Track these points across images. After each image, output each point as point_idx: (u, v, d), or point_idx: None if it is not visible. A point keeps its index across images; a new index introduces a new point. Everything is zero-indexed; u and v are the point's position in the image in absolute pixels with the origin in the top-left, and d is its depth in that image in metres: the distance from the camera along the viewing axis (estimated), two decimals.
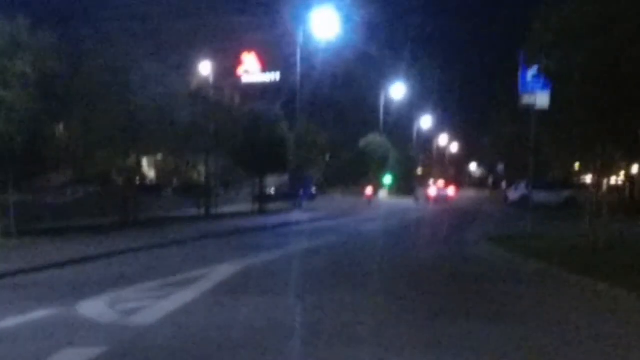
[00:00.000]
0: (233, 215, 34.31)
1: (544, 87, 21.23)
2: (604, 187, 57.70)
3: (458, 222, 34.73)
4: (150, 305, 10.08)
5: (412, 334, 8.52)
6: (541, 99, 21.15)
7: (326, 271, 14.82)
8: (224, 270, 14.12)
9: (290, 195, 47.29)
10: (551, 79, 19.39)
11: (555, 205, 47.11)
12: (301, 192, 52.65)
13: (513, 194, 51.86)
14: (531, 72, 21.04)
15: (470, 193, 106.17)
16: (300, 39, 44.99)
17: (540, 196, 48.62)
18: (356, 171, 67.17)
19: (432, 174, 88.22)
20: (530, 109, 21.64)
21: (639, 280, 12.02)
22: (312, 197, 55.80)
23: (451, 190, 69.43)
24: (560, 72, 18.28)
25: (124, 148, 27.21)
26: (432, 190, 66.37)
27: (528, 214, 23.03)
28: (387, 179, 67.19)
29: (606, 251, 16.73)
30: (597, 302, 11.29)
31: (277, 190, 54.18)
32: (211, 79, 49.81)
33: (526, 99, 21.49)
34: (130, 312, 9.58)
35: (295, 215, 36.33)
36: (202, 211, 34.33)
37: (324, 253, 18.68)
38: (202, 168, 43.72)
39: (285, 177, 50.15)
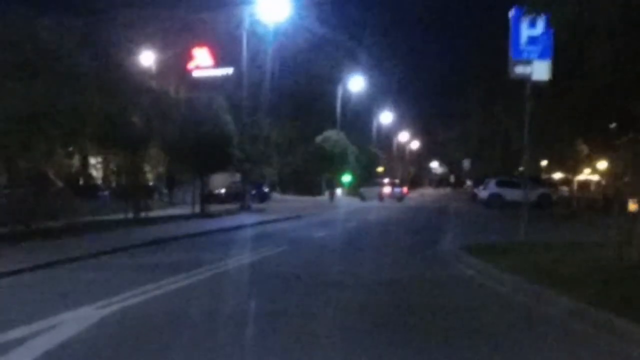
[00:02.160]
0: (167, 220, 28.97)
1: (543, 54, 16.25)
2: (576, 184, 53.19)
3: (427, 225, 29.72)
4: None
5: None
6: (540, 69, 16.19)
7: (245, 314, 9.54)
8: (81, 319, 8.73)
9: (242, 195, 41.76)
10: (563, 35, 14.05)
11: (528, 203, 42.41)
12: (252, 192, 48.08)
13: (482, 192, 46.99)
14: (528, 32, 16.01)
15: (432, 192, 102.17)
16: (246, 23, 39.54)
17: (511, 194, 44.31)
18: (313, 169, 62.25)
19: (392, 172, 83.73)
20: (524, 80, 16.59)
21: None
22: (264, 198, 50.70)
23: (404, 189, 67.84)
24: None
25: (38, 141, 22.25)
26: (387, 189, 62.92)
27: (522, 215, 17.76)
28: (346, 178, 62.29)
29: None
30: None
31: (227, 190, 49.42)
32: (153, 70, 45.58)
33: (520, 69, 16.44)
34: None
35: (240, 219, 31.15)
36: (131, 215, 28.84)
37: (256, 275, 13.45)
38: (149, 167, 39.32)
39: (237, 176, 44.82)
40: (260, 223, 28.90)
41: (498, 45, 54.41)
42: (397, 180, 68.30)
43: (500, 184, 45.81)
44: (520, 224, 17.69)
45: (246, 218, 31.58)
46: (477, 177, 61.48)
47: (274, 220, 30.89)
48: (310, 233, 23.86)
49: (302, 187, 65.78)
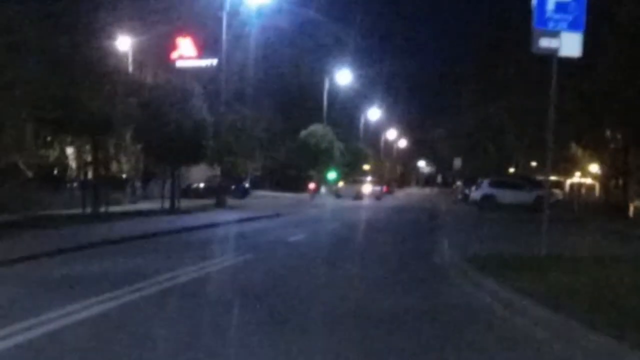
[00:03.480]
0: (130, 216, 25.57)
1: (574, 25, 12.91)
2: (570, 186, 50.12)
3: (417, 229, 26.40)
4: None
5: None
6: (569, 43, 12.83)
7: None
8: None
9: (220, 190, 38.25)
10: None
11: (524, 205, 39.53)
12: (232, 187, 44.90)
13: (474, 193, 43.60)
14: None
15: (419, 191, 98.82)
16: (226, 4, 36.06)
17: (506, 195, 41.20)
18: (297, 165, 58.93)
19: (379, 170, 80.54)
20: (549, 55, 13.24)
21: None
22: (244, 194, 47.31)
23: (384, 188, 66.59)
24: None
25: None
26: (367, 187, 59.71)
27: (542, 217, 14.26)
28: (332, 174, 58.85)
29: None
30: None
31: (206, 184, 46.13)
32: (130, 56, 42.19)
33: (545, 42, 13.03)
34: None
35: (213, 216, 27.73)
36: (88, 210, 25.36)
37: (199, 298, 10.03)
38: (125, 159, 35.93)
39: (217, 170, 41.43)
40: (234, 222, 25.48)
41: (493, 39, 51.53)
42: (369, 178, 64.49)
43: (494, 184, 42.48)
44: (542, 231, 14.18)
45: (219, 215, 28.21)
46: (468, 177, 58.25)
47: (249, 219, 27.47)
48: (285, 236, 20.37)
49: (285, 183, 62.44)
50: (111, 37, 37.06)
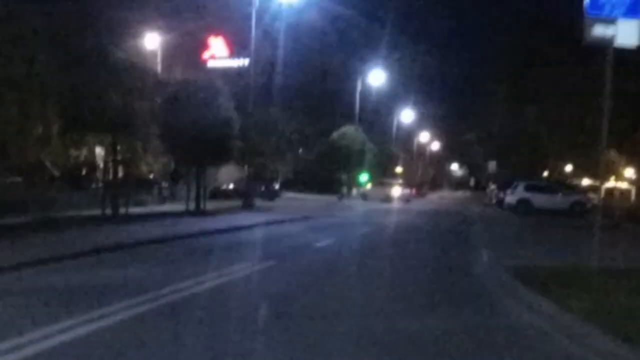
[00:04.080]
0: (152, 218, 24.44)
1: (631, 11, 11.46)
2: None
3: (452, 235, 24.77)
4: None
5: None
6: (626, 30, 11.37)
7: None
8: None
9: (248, 192, 37.23)
10: None
11: (561, 211, 38.04)
12: (261, 189, 43.85)
13: (510, 197, 41.95)
14: None
15: (451, 194, 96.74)
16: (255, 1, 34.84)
17: (542, 200, 39.62)
18: (328, 167, 57.54)
19: (411, 173, 78.97)
20: (603, 45, 11.77)
21: None
22: (273, 195, 46.03)
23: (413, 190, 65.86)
24: None
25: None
26: (396, 190, 57.45)
27: (581, 223, 12.76)
28: (364, 177, 57.41)
29: None
30: None
31: (236, 185, 45.03)
32: (159, 55, 41.36)
33: (599, 30, 11.54)
34: None
35: (238, 219, 26.53)
36: (109, 211, 24.21)
37: (212, 310, 8.79)
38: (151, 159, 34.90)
39: (246, 171, 40.21)
40: (259, 225, 24.18)
41: (529, 41, 49.65)
42: (400, 181, 62.85)
43: (529, 188, 40.88)
44: (581, 237, 12.71)
45: (245, 218, 27.01)
46: (502, 181, 56.52)
47: (276, 222, 26.15)
48: (312, 240, 18.97)
49: (317, 185, 61.09)
50: (138, 34, 36.30)
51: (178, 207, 30.05)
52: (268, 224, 24.87)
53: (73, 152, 29.65)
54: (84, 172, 34.37)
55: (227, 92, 29.33)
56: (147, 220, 23.30)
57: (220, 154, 28.80)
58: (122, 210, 24.29)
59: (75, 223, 20.35)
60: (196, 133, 25.90)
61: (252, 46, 35.46)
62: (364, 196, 55.71)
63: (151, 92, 24.65)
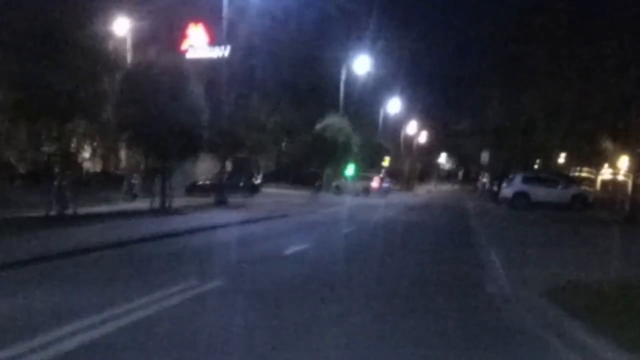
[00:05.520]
0: (109, 217, 21.24)
1: None
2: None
3: (450, 237, 21.36)
4: None
5: None
6: None
7: None
8: None
9: (229, 186, 34.98)
10: None
11: (561, 204, 35.03)
12: (240, 183, 40.65)
13: (506, 190, 38.74)
14: None
15: (437, 188, 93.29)
16: None
17: (541, 193, 36.44)
18: (312, 160, 54.15)
19: (398, 165, 75.84)
20: None
21: None
22: (252, 190, 42.59)
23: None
24: None
25: None
26: (375, 182, 55.19)
27: (586, 217, 9.45)
28: (350, 170, 53.85)
29: None
30: None
31: (213, 180, 41.61)
32: (129, 42, 38.08)
33: None
34: None
35: (206, 218, 23.18)
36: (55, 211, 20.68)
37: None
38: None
39: (226, 165, 37.04)
40: (228, 225, 20.96)
41: (523, 26, 46.32)
42: (382, 175, 59.78)
43: (526, 180, 37.65)
44: (594, 235, 9.51)
45: (214, 217, 23.70)
46: (496, 172, 53.29)
47: (248, 221, 22.80)
48: (284, 245, 15.59)
49: (300, 179, 57.63)
50: (107, 19, 32.80)
51: (143, 204, 26.63)
52: (238, 223, 21.54)
53: (48, 147, 25.77)
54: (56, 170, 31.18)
55: (196, 78, 26.04)
56: (97, 221, 19.79)
57: (187, 145, 25.38)
58: (69, 211, 20.74)
59: (9, 226, 16.95)
60: (158, 120, 22.53)
61: (224, 31, 32.40)
62: (338, 189, 52.51)
63: (107, 74, 21.18)
